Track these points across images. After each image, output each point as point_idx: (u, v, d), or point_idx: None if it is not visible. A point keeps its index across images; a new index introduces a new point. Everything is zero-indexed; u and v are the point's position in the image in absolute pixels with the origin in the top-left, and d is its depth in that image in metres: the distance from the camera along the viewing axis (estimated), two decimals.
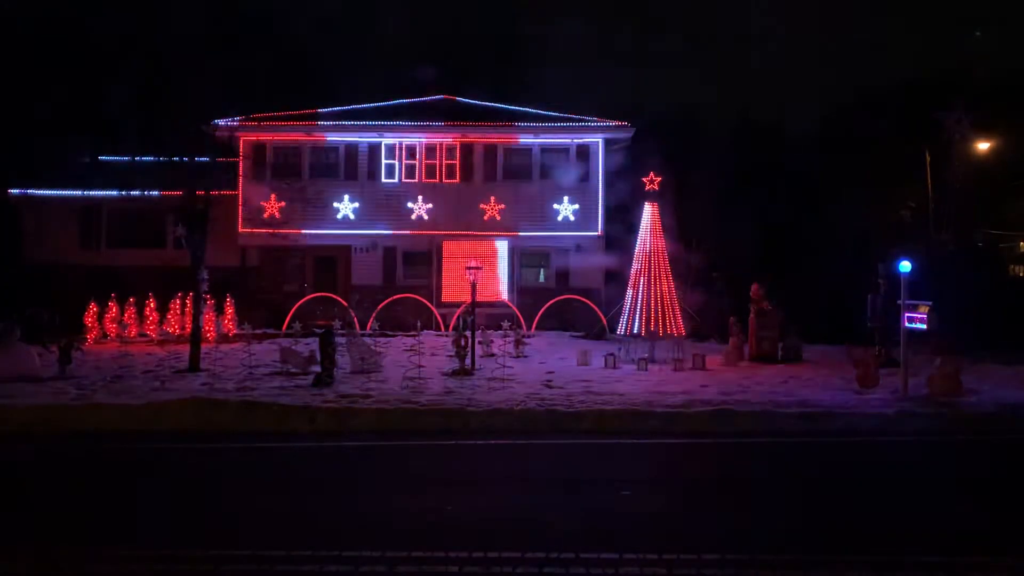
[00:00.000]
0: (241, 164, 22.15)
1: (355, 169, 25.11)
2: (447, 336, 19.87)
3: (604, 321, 22.30)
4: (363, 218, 24.83)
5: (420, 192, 24.92)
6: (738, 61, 58.07)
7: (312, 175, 24.66)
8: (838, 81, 57.97)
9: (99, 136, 22.36)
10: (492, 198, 24.85)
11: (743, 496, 8.09)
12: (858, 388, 13.51)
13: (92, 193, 23.12)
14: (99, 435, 10.68)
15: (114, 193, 18.87)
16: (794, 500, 7.94)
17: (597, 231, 24.87)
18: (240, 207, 22.81)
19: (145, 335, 20.92)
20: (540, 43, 62.60)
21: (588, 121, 25.08)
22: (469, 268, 16.56)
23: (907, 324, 13.39)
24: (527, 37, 63.97)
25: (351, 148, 25.12)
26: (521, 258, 25.41)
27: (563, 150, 25.31)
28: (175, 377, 14.47)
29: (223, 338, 20.53)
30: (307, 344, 16.46)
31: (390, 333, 21.37)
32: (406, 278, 25.08)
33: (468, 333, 15.79)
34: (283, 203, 23.19)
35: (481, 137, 25.04)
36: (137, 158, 17.80)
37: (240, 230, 23.64)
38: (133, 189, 16.95)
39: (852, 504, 7.74)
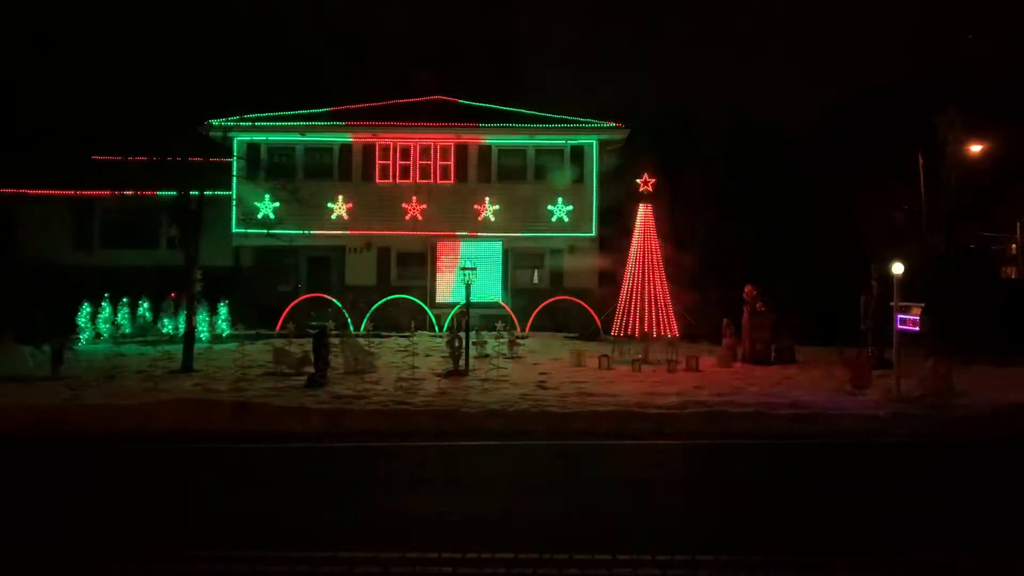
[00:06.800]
0: (235, 164, 22.13)
1: (349, 169, 25.11)
2: (441, 337, 19.87)
3: (598, 322, 22.34)
4: (357, 218, 24.82)
5: (414, 193, 24.93)
6: (733, 62, 58.20)
7: (306, 175, 24.66)
8: (832, 83, 58.20)
9: (93, 135, 22.30)
10: (486, 199, 24.87)
11: (738, 497, 8.11)
12: (851, 389, 13.56)
13: (86, 193, 23.05)
14: (91, 436, 10.66)
15: (108, 193, 18.81)
16: (790, 501, 7.95)
17: (591, 232, 24.91)
18: (234, 207, 22.78)
19: (138, 335, 20.86)
20: (536, 44, 62.70)
21: (583, 122, 25.12)
22: (463, 269, 16.56)
23: (900, 325, 13.45)
24: (523, 38, 64.08)
25: (345, 148, 25.12)
26: (515, 259, 25.44)
27: (557, 151, 25.35)
28: (168, 378, 14.43)
29: (216, 339, 20.50)
30: (301, 345, 16.43)
31: (384, 334, 21.36)
32: (400, 279, 25.10)
33: (462, 334, 15.79)
34: (277, 203, 23.18)
35: (475, 138, 25.07)
36: (131, 158, 17.74)
37: (234, 230, 23.62)
38: (127, 189, 16.89)
39: (847, 505, 7.77)
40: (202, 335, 19.73)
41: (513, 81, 42.64)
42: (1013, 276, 34.83)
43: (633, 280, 18.23)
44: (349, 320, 21.87)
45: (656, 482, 8.76)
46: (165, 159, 16.00)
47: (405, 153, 25.11)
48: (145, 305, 21.35)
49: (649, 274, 18.08)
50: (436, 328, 23.22)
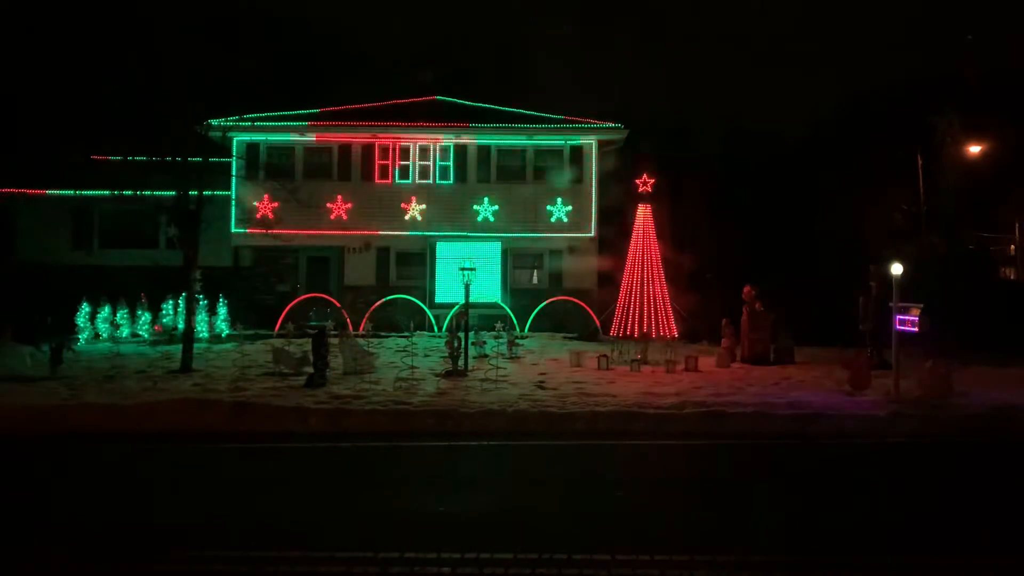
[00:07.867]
0: (234, 164, 22.12)
1: (349, 170, 25.10)
2: (440, 337, 19.88)
3: (597, 322, 22.33)
4: (357, 219, 24.81)
5: (414, 193, 24.93)
6: (731, 64, 58.22)
7: (306, 175, 24.65)
8: (831, 84, 58.23)
9: (93, 135, 22.30)
10: (486, 199, 24.87)
11: (736, 497, 8.11)
12: (850, 390, 13.55)
13: (85, 193, 23.03)
14: (90, 435, 10.65)
15: (107, 193, 18.82)
16: (788, 501, 7.96)
17: (590, 232, 24.91)
18: (233, 207, 22.78)
19: (137, 335, 20.85)
20: (535, 45, 62.71)
21: (582, 122, 25.12)
22: (462, 269, 16.55)
23: (899, 326, 13.46)
24: (522, 39, 64.08)
25: (345, 149, 25.10)
26: (514, 259, 25.43)
27: (557, 151, 25.34)
28: (167, 378, 14.43)
29: (216, 339, 20.49)
30: (300, 345, 16.43)
31: (383, 334, 21.37)
32: (399, 279, 25.09)
33: (461, 334, 15.79)
34: (276, 203, 23.17)
35: (475, 138, 25.06)
36: (130, 158, 17.75)
37: (233, 230, 23.62)
38: (126, 189, 16.88)
39: (847, 506, 7.77)
40: (201, 335, 19.72)
41: (512, 81, 42.70)
42: (1012, 276, 34.81)
43: (632, 280, 18.22)
44: (348, 320, 21.86)
45: (655, 482, 8.76)
46: (165, 159, 16.00)
47: (404, 153, 25.11)
48: (144, 305, 21.31)
49: (648, 274, 18.07)
50: (435, 328, 23.22)
